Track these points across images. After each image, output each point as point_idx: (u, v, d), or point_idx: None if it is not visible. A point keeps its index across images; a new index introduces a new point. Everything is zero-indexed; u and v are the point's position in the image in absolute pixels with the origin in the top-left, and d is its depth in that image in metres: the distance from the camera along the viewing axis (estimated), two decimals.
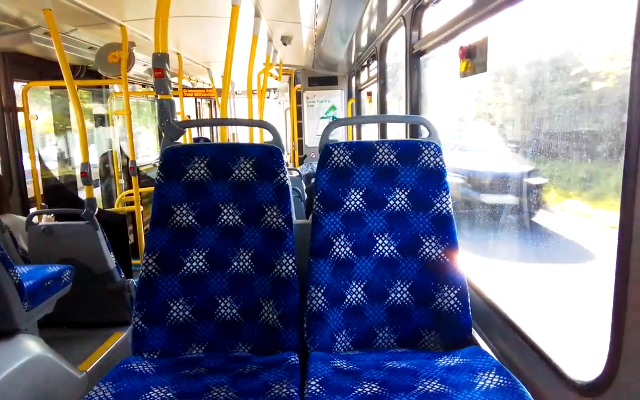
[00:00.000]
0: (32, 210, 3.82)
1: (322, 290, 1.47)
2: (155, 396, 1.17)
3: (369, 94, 4.80)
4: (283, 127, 9.30)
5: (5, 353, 1.82)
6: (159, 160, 1.59)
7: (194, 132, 7.05)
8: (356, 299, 1.51)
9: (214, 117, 10.20)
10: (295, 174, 4.50)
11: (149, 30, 3.48)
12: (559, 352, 1.15)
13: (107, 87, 5.22)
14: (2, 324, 1.89)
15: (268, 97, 9.17)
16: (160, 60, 1.74)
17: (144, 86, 6.46)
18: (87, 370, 2.33)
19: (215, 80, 6.61)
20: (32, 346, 1.94)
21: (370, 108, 5.06)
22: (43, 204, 3.85)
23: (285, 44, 4.21)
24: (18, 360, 1.80)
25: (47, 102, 4.54)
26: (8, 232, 2.76)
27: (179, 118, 4.76)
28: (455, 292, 1.46)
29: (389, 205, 1.55)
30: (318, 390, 1.18)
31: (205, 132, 9.95)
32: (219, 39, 3.96)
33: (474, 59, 1.62)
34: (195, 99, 9.57)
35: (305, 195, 4.19)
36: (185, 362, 1.40)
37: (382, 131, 3.76)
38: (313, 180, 4.86)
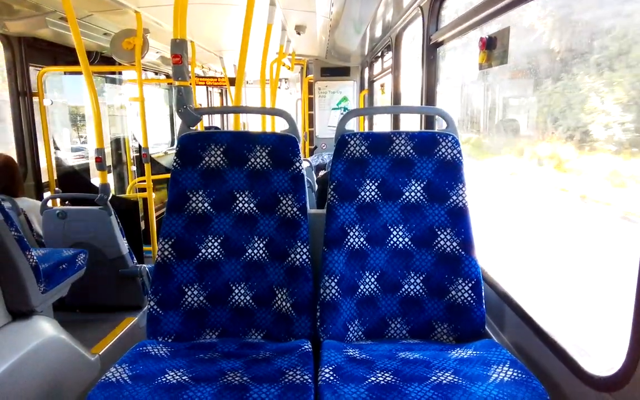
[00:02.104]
0: (47, 194, 3.86)
1: (335, 280, 1.47)
2: (171, 379, 1.19)
3: (382, 85, 4.76)
4: (294, 118, 9.27)
5: (21, 334, 1.85)
6: (176, 146, 1.59)
7: (205, 121, 7.05)
8: (369, 289, 1.51)
9: (225, 105, 10.20)
10: (306, 164, 4.49)
11: (163, 17, 3.49)
12: (575, 345, 1.14)
13: (120, 73, 5.23)
14: (18, 305, 1.92)
15: (279, 88, 9.15)
16: (179, 46, 1.74)
17: (156, 74, 6.47)
18: (100, 353, 2.36)
19: (228, 68, 6.59)
20: (47, 328, 1.97)
21: (382, 100, 5.02)
22: (57, 188, 3.89)
23: (299, 33, 4.18)
24: (34, 341, 1.83)
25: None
26: (24, 215, 2.79)
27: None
28: (470, 285, 1.45)
29: (404, 196, 1.54)
30: (332, 378, 1.18)
31: (216, 120, 9.96)
32: (233, 27, 3.96)
33: (494, 50, 1.59)
34: (207, 88, 9.57)
35: (316, 185, 4.19)
36: (200, 346, 1.41)
37: (395, 123, 3.74)
38: (322, 172, 4.86)
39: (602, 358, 1.06)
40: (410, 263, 1.52)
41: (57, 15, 3.21)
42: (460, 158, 1.53)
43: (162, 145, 6.78)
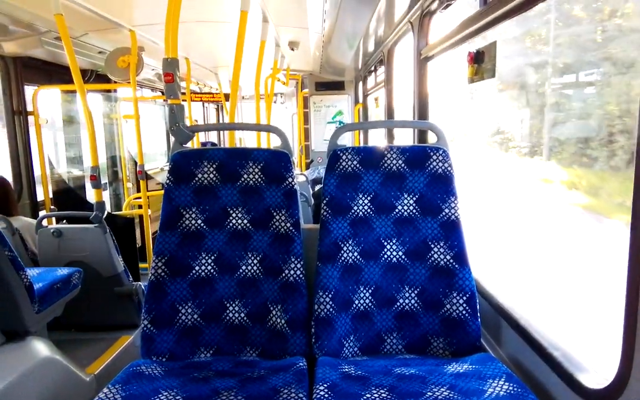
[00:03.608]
0: (42, 213, 3.86)
1: (330, 295, 1.47)
2: (165, 399, 1.18)
3: (376, 99, 4.80)
4: (290, 132, 9.34)
5: (15, 355, 1.83)
6: (169, 164, 1.60)
7: (201, 137, 7.08)
8: (364, 305, 1.50)
9: (221, 121, 10.25)
10: (302, 178, 4.50)
11: (157, 35, 3.53)
12: (570, 357, 1.14)
13: (115, 91, 5.27)
14: (12, 325, 1.91)
15: (275, 102, 9.20)
16: (170, 65, 1.76)
17: (152, 90, 6.51)
18: (95, 373, 2.34)
19: (223, 84, 6.64)
20: (41, 349, 1.95)
21: (377, 113, 5.06)
22: (52, 207, 3.89)
23: (292, 49, 4.23)
24: (28, 363, 1.82)
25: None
26: (18, 235, 2.79)
27: (187, 122, 4.78)
28: (465, 298, 1.45)
29: (397, 210, 1.55)
30: (326, 396, 1.17)
31: (212, 136, 9.99)
32: (227, 43, 4.00)
33: (482, 64, 1.62)
34: (203, 103, 9.63)
35: (312, 199, 4.19)
36: (194, 365, 1.40)
37: (390, 136, 3.76)
38: (319, 186, 4.88)
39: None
40: (405, 277, 1.52)
41: (52, 35, 3.24)
42: (452, 171, 1.54)
43: (158, 161, 6.80)
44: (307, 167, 6.44)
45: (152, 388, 1.23)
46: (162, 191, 1.60)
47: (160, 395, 1.19)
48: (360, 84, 5.67)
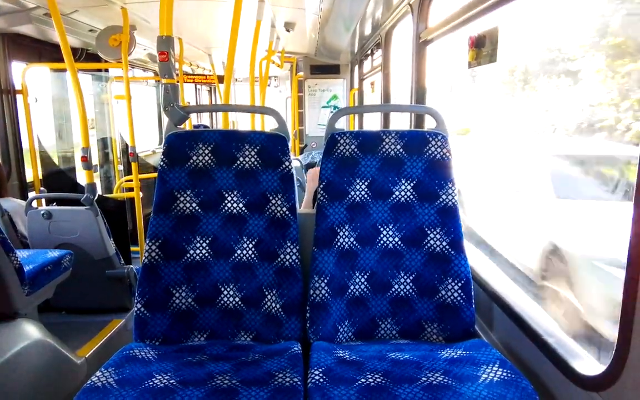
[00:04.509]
0: (31, 194, 3.79)
1: (325, 280, 1.46)
2: (159, 383, 1.16)
3: (372, 83, 4.76)
4: (284, 116, 9.25)
5: (5, 337, 1.81)
6: (163, 145, 1.56)
7: (193, 119, 6.99)
8: (359, 290, 1.50)
9: (214, 103, 10.13)
10: (296, 163, 4.47)
11: (150, 13, 3.44)
12: (563, 344, 1.14)
13: (106, 71, 5.16)
14: (2, 308, 1.88)
15: (269, 85, 9.10)
16: (165, 43, 1.71)
17: (144, 71, 6.39)
18: (86, 356, 2.33)
19: (216, 65, 6.54)
20: (31, 331, 1.93)
21: (372, 98, 5.02)
22: (42, 188, 3.82)
23: (288, 31, 4.16)
24: (18, 345, 1.80)
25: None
26: (7, 216, 2.74)
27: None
28: (460, 284, 1.45)
29: (394, 196, 1.53)
30: (321, 380, 1.17)
31: (204, 119, 9.89)
32: (221, 23, 3.92)
33: (483, 49, 1.59)
34: (195, 85, 9.50)
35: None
36: (188, 349, 1.39)
37: (385, 121, 3.74)
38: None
39: None
40: (400, 263, 1.51)
41: (42, 11, 3.14)
42: (450, 157, 1.53)
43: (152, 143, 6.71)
44: (301, 152, 6.40)
45: (146, 371, 1.22)
46: (154, 174, 1.56)
47: (154, 379, 1.18)
48: (356, 68, 5.61)
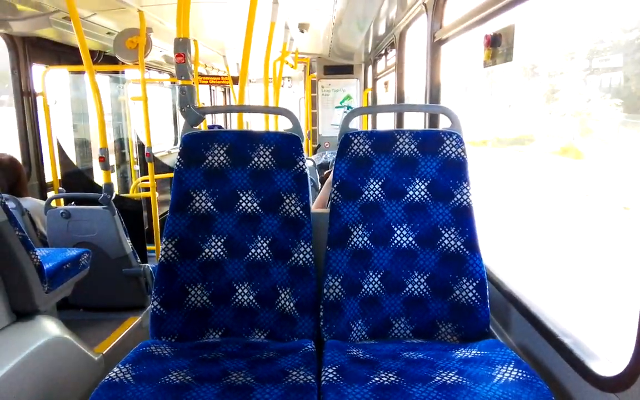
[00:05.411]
0: (50, 194, 3.87)
1: (339, 280, 1.47)
2: (175, 379, 1.18)
3: (386, 83, 4.74)
4: (297, 116, 9.26)
5: (25, 334, 1.85)
6: (179, 145, 1.59)
7: (208, 120, 7.06)
8: (373, 289, 1.50)
9: (228, 104, 10.21)
10: (309, 163, 4.48)
11: (166, 16, 3.49)
12: (581, 345, 1.12)
13: (123, 72, 5.24)
14: (22, 305, 1.92)
15: (282, 86, 9.13)
16: (182, 45, 1.73)
17: (160, 72, 6.48)
18: (103, 353, 2.37)
19: (230, 67, 6.59)
20: (51, 327, 1.97)
21: (385, 98, 5.00)
22: (61, 188, 3.90)
23: (302, 32, 4.17)
24: (38, 341, 1.84)
25: None
26: (28, 216, 2.80)
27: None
28: (474, 284, 1.44)
29: (408, 195, 1.53)
30: (335, 378, 1.17)
31: (219, 119, 9.96)
32: (236, 25, 3.95)
33: (498, 47, 1.58)
34: (210, 86, 9.58)
35: (320, 184, 4.18)
36: (203, 346, 1.41)
37: (399, 121, 3.72)
38: (326, 171, 4.86)
39: None
40: (414, 262, 1.51)
41: (61, 15, 3.21)
42: (465, 156, 1.51)
43: (164, 144, 6.79)
44: (314, 152, 6.41)
45: (162, 368, 1.24)
46: (169, 174, 1.59)
47: (170, 375, 1.20)
48: (370, 68, 5.60)
